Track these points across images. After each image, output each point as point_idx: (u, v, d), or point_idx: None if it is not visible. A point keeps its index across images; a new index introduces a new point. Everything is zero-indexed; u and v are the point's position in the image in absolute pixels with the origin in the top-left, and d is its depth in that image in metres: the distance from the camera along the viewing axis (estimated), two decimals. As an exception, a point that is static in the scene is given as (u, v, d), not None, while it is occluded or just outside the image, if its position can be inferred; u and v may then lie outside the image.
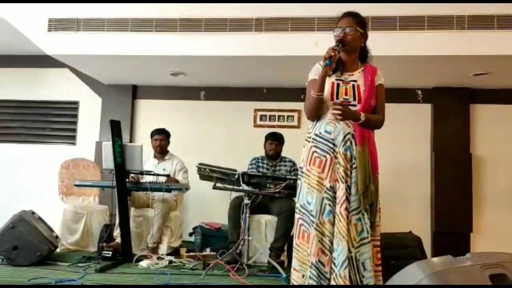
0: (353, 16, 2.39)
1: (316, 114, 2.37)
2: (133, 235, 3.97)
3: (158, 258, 3.75)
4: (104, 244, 3.80)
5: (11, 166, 5.53)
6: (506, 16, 3.79)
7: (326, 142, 2.32)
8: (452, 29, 3.86)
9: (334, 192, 2.25)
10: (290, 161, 4.33)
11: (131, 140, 5.40)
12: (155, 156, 4.59)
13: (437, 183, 4.84)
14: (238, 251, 3.55)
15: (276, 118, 5.30)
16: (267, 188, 3.60)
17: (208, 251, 4.12)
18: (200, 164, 3.64)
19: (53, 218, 4.10)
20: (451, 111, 4.95)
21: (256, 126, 5.29)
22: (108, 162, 3.78)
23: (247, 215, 3.56)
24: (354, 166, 2.26)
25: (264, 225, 3.97)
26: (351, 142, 2.28)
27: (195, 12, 4.18)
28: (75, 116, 5.60)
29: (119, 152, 3.72)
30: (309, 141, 2.39)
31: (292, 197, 3.98)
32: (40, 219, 3.73)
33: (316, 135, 2.36)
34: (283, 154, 4.39)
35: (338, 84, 2.38)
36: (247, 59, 4.32)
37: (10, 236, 3.44)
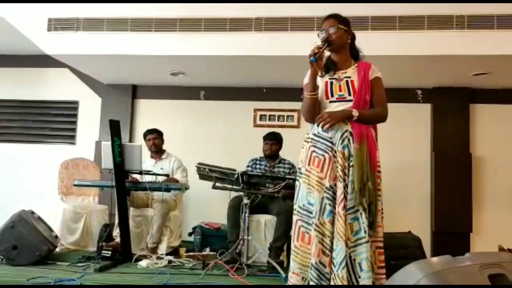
0: (334, 17, 2.42)
1: (312, 114, 2.34)
2: (132, 235, 3.97)
3: (158, 258, 3.74)
4: (104, 243, 3.79)
5: (11, 166, 5.53)
6: (506, 16, 3.79)
7: (324, 141, 2.31)
8: (452, 29, 3.86)
9: (334, 192, 2.23)
10: (289, 163, 4.33)
11: (130, 140, 5.40)
12: (152, 157, 4.59)
13: (437, 183, 4.84)
14: (237, 251, 3.55)
15: (276, 118, 5.30)
16: (266, 188, 3.59)
17: (207, 251, 4.13)
18: (200, 163, 3.64)
19: (53, 218, 4.10)
20: (451, 111, 4.95)
21: (256, 126, 5.30)
22: (108, 162, 3.78)
23: (246, 215, 3.56)
24: (351, 164, 2.22)
25: (264, 225, 3.97)
26: (348, 140, 2.26)
27: (195, 12, 4.18)
28: (75, 116, 5.61)
29: (119, 152, 3.72)
30: (308, 142, 2.38)
31: (290, 199, 3.99)
32: (39, 218, 3.73)
33: (314, 134, 2.36)
34: (282, 155, 4.39)
35: (331, 83, 2.37)
36: (247, 59, 4.32)
37: (10, 236, 3.43)
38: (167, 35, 4.23)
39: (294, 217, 2.34)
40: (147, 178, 4.14)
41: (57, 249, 3.90)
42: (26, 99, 5.64)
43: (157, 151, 4.56)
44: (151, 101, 5.54)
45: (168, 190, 3.99)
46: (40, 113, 5.65)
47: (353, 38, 2.46)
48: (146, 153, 4.53)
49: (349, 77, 2.36)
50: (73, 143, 5.57)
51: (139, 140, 5.23)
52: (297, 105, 5.07)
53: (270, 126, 5.13)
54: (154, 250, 4.04)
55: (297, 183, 2.38)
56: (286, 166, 4.32)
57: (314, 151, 2.33)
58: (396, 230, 3.52)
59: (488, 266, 1.75)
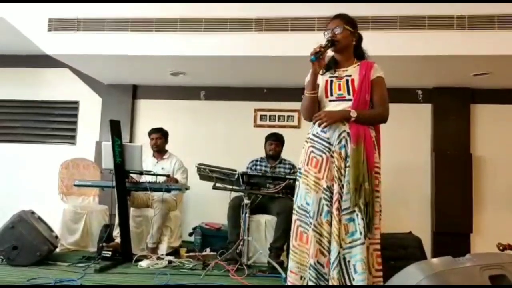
0: (341, 17, 2.39)
1: (311, 113, 2.32)
2: (132, 235, 3.96)
3: (158, 258, 3.74)
4: (104, 244, 3.79)
5: (11, 166, 5.52)
6: (506, 16, 3.78)
7: (322, 142, 2.30)
8: (453, 29, 3.86)
9: (331, 192, 2.22)
10: (289, 163, 4.33)
11: (131, 140, 5.40)
12: (153, 156, 4.59)
13: (437, 183, 4.84)
14: (237, 251, 3.55)
15: (276, 118, 5.30)
16: (267, 188, 3.59)
17: (207, 251, 4.13)
18: (200, 164, 3.64)
19: (53, 218, 4.10)
20: (451, 111, 4.95)
21: (256, 126, 5.30)
22: (108, 162, 3.78)
23: (246, 215, 3.56)
24: (348, 164, 2.20)
25: (264, 225, 3.96)
26: (346, 140, 2.24)
27: (195, 12, 4.18)
28: (75, 116, 5.61)
29: (119, 152, 3.72)
30: (307, 142, 2.38)
31: (290, 196, 3.99)
32: (39, 219, 3.73)
33: (313, 135, 2.35)
34: (283, 155, 4.39)
35: (331, 81, 2.36)
36: (247, 59, 4.32)
37: (10, 236, 3.43)
38: (167, 35, 4.23)
39: (293, 217, 2.34)
40: (147, 178, 4.14)
41: (57, 250, 3.90)
42: (27, 99, 5.64)
43: (159, 151, 4.56)
44: (152, 101, 5.54)
45: (168, 190, 3.99)
46: (40, 113, 5.64)
47: (359, 39, 2.44)
48: (148, 151, 4.53)
49: (350, 76, 2.34)
50: (73, 143, 5.57)
51: (140, 140, 5.24)
52: (297, 105, 5.07)
53: (271, 126, 5.13)
54: (154, 250, 4.03)
55: (297, 183, 2.38)
56: (287, 166, 4.32)
57: (312, 151, 2.32)
58: (396, 231, 3.52)
59: (488, 267, 1.75)
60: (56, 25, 4.38)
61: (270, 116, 5.32)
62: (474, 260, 1.82)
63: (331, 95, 2.34)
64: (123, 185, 3.79)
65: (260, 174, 3.87)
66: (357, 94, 2.28)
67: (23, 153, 5.56)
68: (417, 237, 3.45)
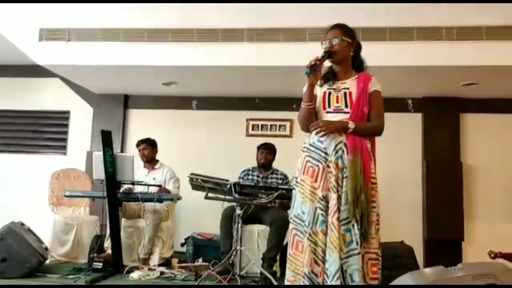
0: (340, 27, 2.40)
1: (308, 124, 2.33)
2: (124, 246, 3.93)
3: (150, 269, 3.71)
4: (95, 255, 3.75)
5: (0, 176, 5.46)
6: (494, 27, 3.85)
7: (318, 151, 2.31)
8: (441, 40, 3.91)
9: (327, 202, 2.23)
10: (282, 173, 4.34)
11: (122, 150, 5.37)
12: (145, 166, 4.57)
13: (429, 192, 4.87)
14: (230, 262, 3.53)
15: (268, 128, 5.31)
16: (259, 198, 3.59)
17: (200, 262, 4.09)
18: (192, 174, 3.63)
19: (43, 229, 4.05)
20: (441, 120, 5.00)
21: (248, 135, 5.30)
22: (99, 172, 3.75)
23: (239, 225, 3.55)
24: (345, 175, 2.22)
25: (257, 235, 3.96)
26: (342, 151, 2.26)
27: (187, 22, 4.20)
28: (66, 126, 5.57)
29: (110, 162, 3.70)
30: (304, 151, 2.39)
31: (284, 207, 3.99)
32: (29, 230, 3.68)
33: (310, 144, 2.36)
34: (275, 164, 4.40)
35: (329, 93, 2.38)
36: (239, 69, 4.33)
37: (-1, 248, 3.39)
38: (159, 46, 4.23)
39: (290, 226, 2.36)
40: (139, 189, 4.11)
41: (48, 261, 3.85)
42: (17, 109, 5.60)
43: (149, 161, 4.54)
44: (143, 111, 5.52)
45: (160, 200, 3.97)
46: (31, 123, 5.60)
47: (357, 49, 2.45)
48: (140, 162, 4.54)
49: (348, 89, 2.36)
50: (64, 153, 5.53)
51: (131, 150, 5.20)
52: (289, 114, 5.11)
53: (263, 136, 5.13)
54: (146, 261, 4.00)
55: (294, 192, 2.39)
56: (279, 176, 4.33)
57: (308, 161, 2.33)
58: (388, 239, 3.51)
59: (480, 276, 1.76)
60: (47, 35, 4.36)
61: (262, 125, 5.33)
62: (466, 270, 1.83)
63: (329, 106, 2.36)
64: (114, 195, 3.76)
65: (253, 184, 3.87)
66: (354, 107, 2.31)
67: (13, 163, 5.51)
68: (409, 246, 3.47)
